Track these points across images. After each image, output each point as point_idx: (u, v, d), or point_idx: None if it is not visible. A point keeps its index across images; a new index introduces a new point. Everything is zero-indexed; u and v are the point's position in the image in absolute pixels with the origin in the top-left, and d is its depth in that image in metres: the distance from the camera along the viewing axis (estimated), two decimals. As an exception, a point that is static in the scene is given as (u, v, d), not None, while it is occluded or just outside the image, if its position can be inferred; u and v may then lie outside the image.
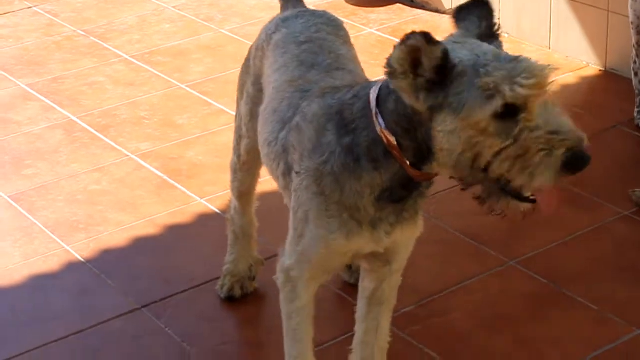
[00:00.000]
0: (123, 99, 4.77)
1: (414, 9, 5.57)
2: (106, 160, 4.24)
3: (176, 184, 4.04)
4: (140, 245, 3.68)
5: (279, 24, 2.93)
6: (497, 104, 2.12)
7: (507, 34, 5.15)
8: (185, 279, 3.47)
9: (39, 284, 3.50)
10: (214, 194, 3.92)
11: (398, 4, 5.63)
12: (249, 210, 3.29)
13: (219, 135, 4.37)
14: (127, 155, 4.26)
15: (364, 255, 2.54)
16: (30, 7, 5.88)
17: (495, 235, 3.63)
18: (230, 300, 3.33)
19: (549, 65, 2.18)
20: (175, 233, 3.75)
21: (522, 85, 2.12)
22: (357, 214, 2.39)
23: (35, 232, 3.76)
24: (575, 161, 2.13)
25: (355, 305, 2.75)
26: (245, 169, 3.14)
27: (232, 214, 3.30)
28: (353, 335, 2.77)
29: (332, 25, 2.92)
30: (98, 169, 4.18)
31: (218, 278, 3.38)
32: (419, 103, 2.19)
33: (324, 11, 3.02)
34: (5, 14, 5.82)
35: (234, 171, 3.20)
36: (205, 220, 3.81)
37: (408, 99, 2.20)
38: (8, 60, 5.22)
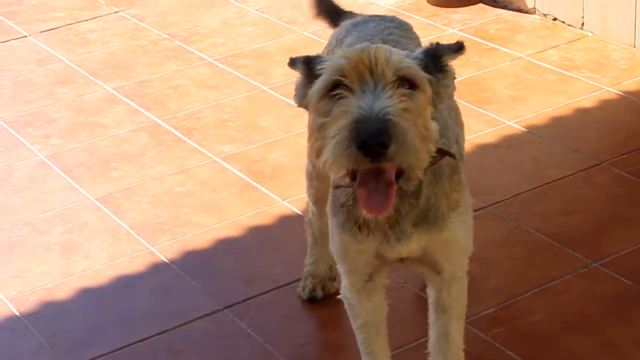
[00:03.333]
0: (207, 101, 4.82)
1: (496, 8, 5.52)
2: (190, 162, 4.30)
3: (259, 186, 4.07)
4: (223, 247, 3.72)
5: (349, 28, 2.93)
6: (320, 81, 2.19)
7: (591, 32, 5.09)
8: (267, 280, 3.49)
9: (125, 284, 3.56)
10: (296, 196, 3.95)
11: (480, 4, 5.59)
12: (326, 213, 3.29)
13: (302, 136, 4.37)
14: (211, 158, 4.31)
15: (400, 260, 2.51)
16: (117, 12, 5.98)
17: (579, 236, 3.58)
18: (312, 301, 3.34)
19: (370, 46, 2.19)
20: (257, 234, 3.77)
21: (337, 61, 2.17)
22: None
23: (121, 234, 3.82)
24: (360, 134, 2.03)
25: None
26: (320, 177, 3.12)
27: (310, 217, 3.31)
28: (430, 338, 2.77)
29: (403, 29, 2.91)
30: (182, 171, 4.23)
31: (300, 279, 3.40)
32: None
33: (393, 16, 3.03)
34: (93, 18, 5.93)
35: (310, 179, 3.20)
36: (287, 222, 3.83)
37: None
38: (95, 65, 5.31)
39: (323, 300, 3.34)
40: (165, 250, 3.70)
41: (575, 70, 4.79)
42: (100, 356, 3.21)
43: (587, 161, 4.04)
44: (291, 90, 4.77)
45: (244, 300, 3.41)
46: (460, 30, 5.30)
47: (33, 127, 4.70)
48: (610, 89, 4.60)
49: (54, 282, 3.58)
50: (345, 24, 3.02)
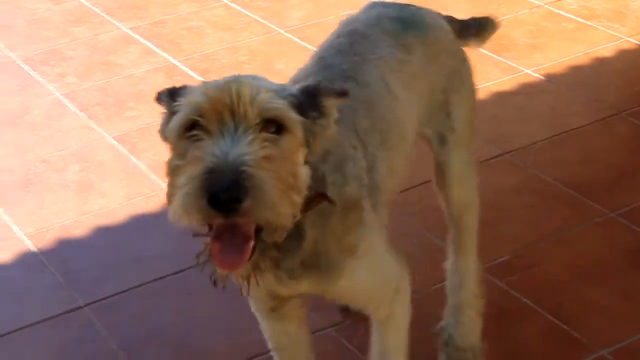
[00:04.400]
0: (222, 43, 4.79)
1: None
2: (206, 103, 4.28)
3: (275, 129, 4.06)
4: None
5: (363, 8, 2.64)
6: (176, 118, 1.92)
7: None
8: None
9: (140, 223, 3.56)
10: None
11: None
12: None
13: (318, 80, 4.37)
14: (227, 99, 4.29)
15: (301, 295, 2.27)
16: (133, -49, 5.94)
17: (597, 186, 3.58)
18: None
19: (235, 81, 1.91)
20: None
21: (195, 97, 1.91)
22: None
23: (137, 173, 3.83)
24: (211, 186, 1.77)
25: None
26: None
27: None
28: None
29: (401, 22, 2.52)
30: (198, 112, 4.22)
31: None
32: None
33: (411, 6, 2.63)
34: (108, -43, 5.88)
35: None
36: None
37: None
38: (111, 4, 5.28)
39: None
40: (181, 190, 3.70)
41: (594, 19, 4.76)
42: (115, 294, 3.22)
43: (606, 111, 4.02)
44: (309, 33, 4.79)
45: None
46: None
47: (49, 66, 4.69)
48: (629, 38, 4.57)
49: (70, 219, 3.59)
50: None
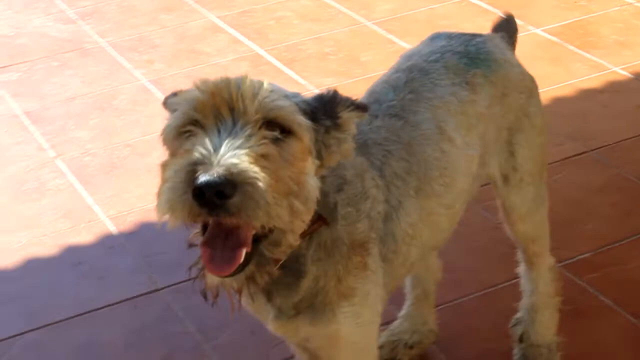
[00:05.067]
0: (309, 34, 4.81)
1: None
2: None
3: (357, 120, 4.06)
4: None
5: (425, 40, 2.47)
6: (173, 117, 1.81)
7: None
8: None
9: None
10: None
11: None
12: None
13: (402, 73, 4.37)
14: (310, 90, 4.31)
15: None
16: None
17: (682, 186, 3.52)
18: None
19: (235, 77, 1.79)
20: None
21: (192, 93, 1.78)
22: None
23: (219, 160, 3.85)
24: (195, 179, 1.62)
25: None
26: None
27: None
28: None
29: (467, 58, 2.34)
30: (282, 101, 4.24)
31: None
32: None
33: (477, 37, 2.42)
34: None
35: None
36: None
37: None
38: (199, -7, 5.34)
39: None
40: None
41: (686, 18, 4.67)
42: (192, 278, 3.25)
43: (695, 111, 3.95)
44: (395, 26, 4.79)
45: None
46: None
47: (137, 52, 4.76)
48: None
49: (151, 203, 3.61)
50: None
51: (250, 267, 1.74)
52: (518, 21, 2.65)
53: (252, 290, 1.79)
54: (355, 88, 4.27)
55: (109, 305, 3.18)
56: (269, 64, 4.54)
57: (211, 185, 1.59)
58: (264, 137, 1.70)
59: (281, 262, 1.84)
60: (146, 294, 3.21)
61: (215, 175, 1.60)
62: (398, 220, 2.10)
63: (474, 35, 2.42)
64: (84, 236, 3.49)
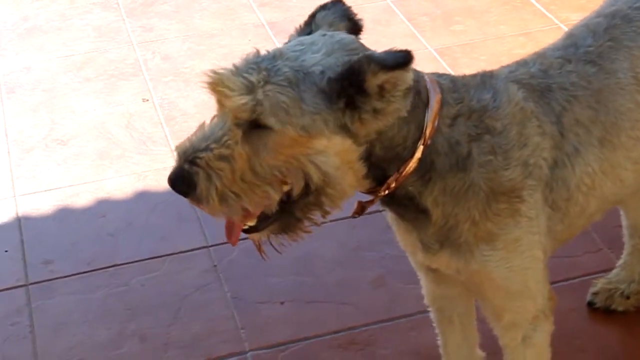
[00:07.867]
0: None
1: None
2: (534, 25, 4.21)
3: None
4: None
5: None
6: None
7: None
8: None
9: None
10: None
11: None
12: None
13: None
14: (556, 24, 4.19)
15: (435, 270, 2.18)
16: None
17: None
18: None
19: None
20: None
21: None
22: None
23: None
24: (170, 174, 1.85)
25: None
26: None
27: None
28: None
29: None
30: (525, 33, 4.15)
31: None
32: None
33: None
34: None
35: None
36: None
37: None
38: None
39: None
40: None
41: None
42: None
43: None
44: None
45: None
46: None
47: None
48: None
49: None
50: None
51: (272, 227, 1.89)
52: None
53: (281, 239, 1.93)
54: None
55: (330, 221, 3.23)
56: (517, -6, 4.45)
57: (174, 182, 1.82)
58: (239, 131, 1.80)
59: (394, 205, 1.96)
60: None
61: (178, 172, 1.82)
62: (572, 168, 2.05)
63: None
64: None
